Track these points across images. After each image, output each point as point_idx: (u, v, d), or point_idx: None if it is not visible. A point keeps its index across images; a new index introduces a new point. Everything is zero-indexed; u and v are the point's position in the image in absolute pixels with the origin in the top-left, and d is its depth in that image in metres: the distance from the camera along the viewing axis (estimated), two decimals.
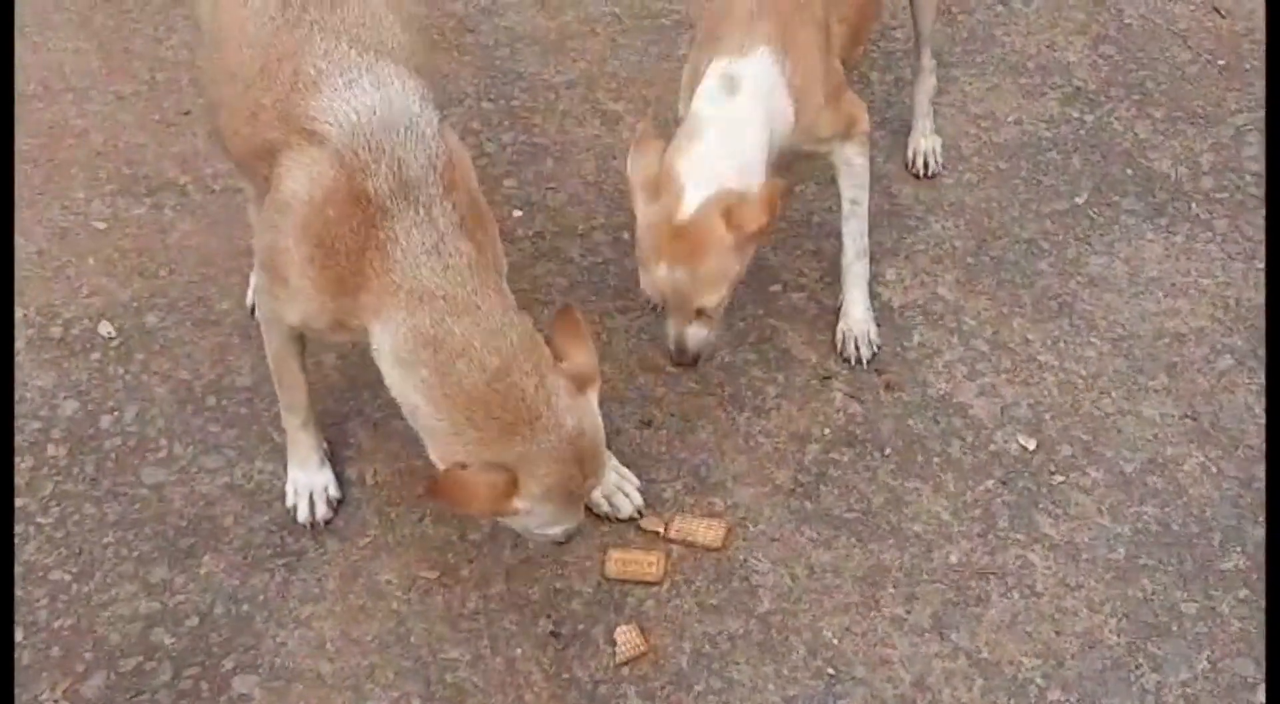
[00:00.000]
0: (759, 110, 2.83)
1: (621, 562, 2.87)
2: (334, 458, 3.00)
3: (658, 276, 2.78)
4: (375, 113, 2.46)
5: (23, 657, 2.73)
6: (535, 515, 2.48)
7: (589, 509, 2.82)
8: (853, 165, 3.11)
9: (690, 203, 2.72)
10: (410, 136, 2.46)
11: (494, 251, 2.57)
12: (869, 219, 3.18)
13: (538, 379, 2.42)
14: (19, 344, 3.26)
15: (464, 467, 2.41)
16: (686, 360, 2.93)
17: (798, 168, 3.21)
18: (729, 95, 2.82)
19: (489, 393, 2.39)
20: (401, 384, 2.47)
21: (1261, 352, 3.24)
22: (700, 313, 2.82)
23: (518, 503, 2.43)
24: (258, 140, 2.57)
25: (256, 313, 2.99)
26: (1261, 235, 3.49)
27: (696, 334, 2.88)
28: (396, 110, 2.48)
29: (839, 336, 3.23)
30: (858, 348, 3.21)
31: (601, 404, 2.58)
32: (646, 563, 2.87)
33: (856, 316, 3.22)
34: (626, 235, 3.40)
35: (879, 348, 3.22)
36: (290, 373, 2.86)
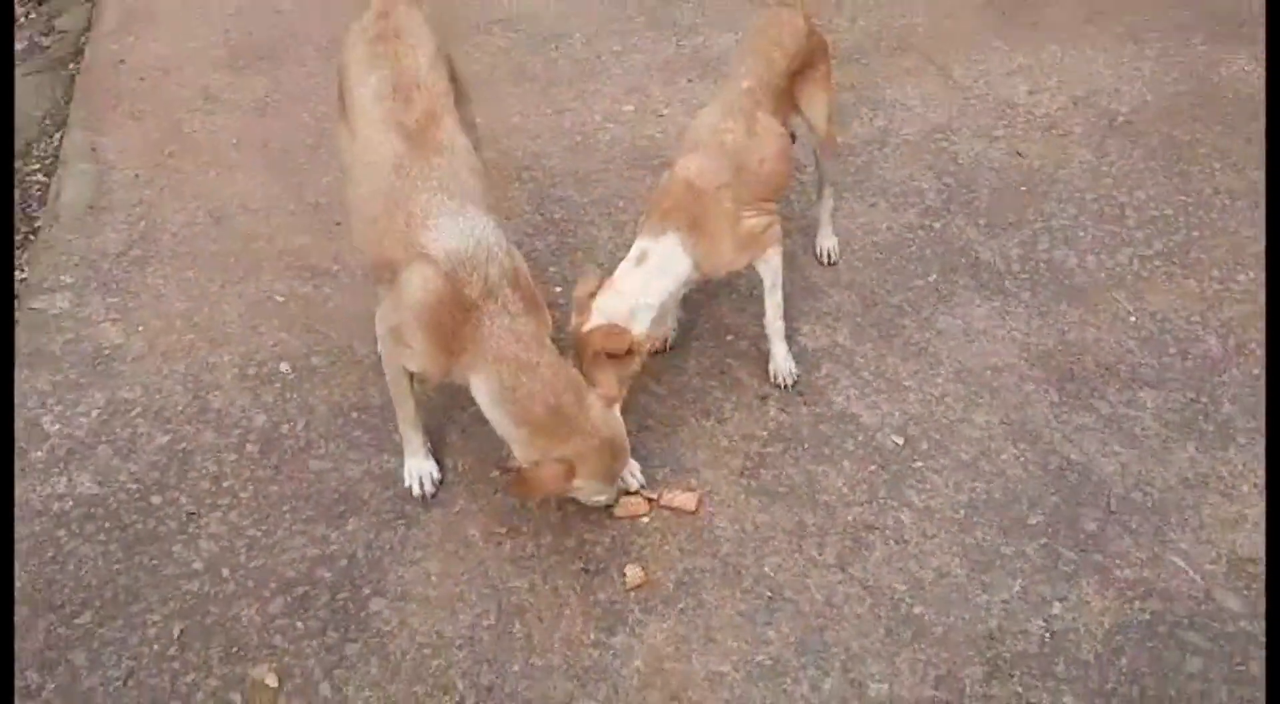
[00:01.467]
0: (657, 276, 2.83)
1: (620, 505, 2.89)
2: (436, 453, 3.00)
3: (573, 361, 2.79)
4: (467, 244, 2.52)
5: (229, 586, 2.74)
6: (587, 489, 2.62)
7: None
8: (769, 262, 3.07)
9: (590, 324, 2.77)
10: (491, 258, 2.54)
11: (544, 318, 2.64)
12: (784, 292, 3.14)
13: (579, 406, 2.53)
14: (227, 379, 3.26)
15: (536, 463, 2.51)
16: None
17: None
18: (637, 266, 2.85)
19: (548, 418, 2.50)
20: (493, 413, 2.57)
21: (1054, 379, 3.25)
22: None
23: (576, 483, 2.56)
24: (384, 257, 2.61)
25: (382, 346, 2.92)
26: (1052, 302, 3.49)
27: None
28: (480, 241, 2.54)
29: (771, 371, 3.22)
30: (784, 379, 3.21)
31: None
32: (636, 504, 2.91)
33: (780, 358, 3.21)
34: None
35: (798, 377, 3.22)
36: (403, 394, 2.87)
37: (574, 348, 2.79)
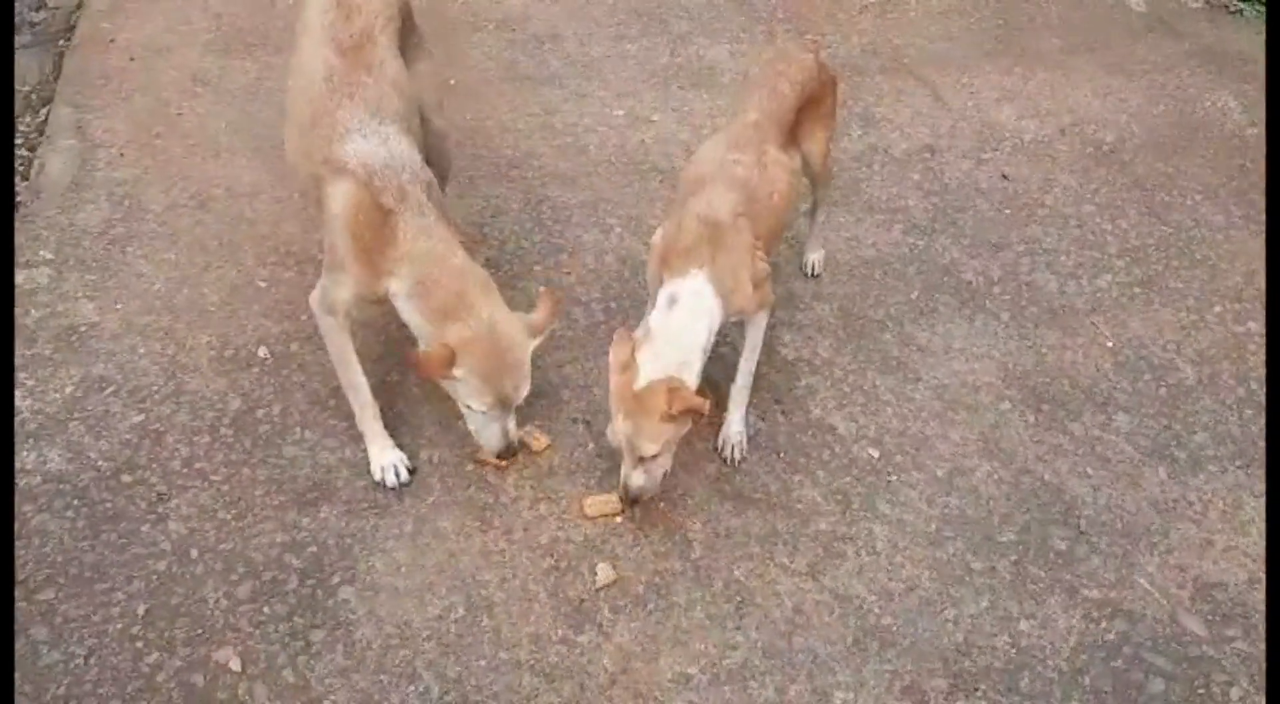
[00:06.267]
0: (692, 317, 2.71)
1: (593, 505, 2.90)
2: (411, 445, 2.98)
3: (619, 425, 2.67)
4: (380, 155, 2.68)
5: (197, 568, 2.72)
6: (465, 387, 2.65)
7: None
8: (758, 325, 3.00)
9: (644, 379, 2.64)
10: (403, 167, 2.69)
11: (456, 228, 2.75)
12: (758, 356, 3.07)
13: (485, 301, 2.63)
14: (204, 361, 3.24)
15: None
16: (629, 498, 2.75)
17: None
18: (670, 310, 2.72)
19: (451, 304, 2.61)
20: (410, 309, 2.66)
21: (1030, 399, 3.28)
22: (643, 460, 2.69)
23: (456, 371, 2.60)
24: (310, 170, 2.79)
25: (320, 323, 2.88)
26: (1031, 324, 3.53)
27: (638, 478, 2.71)
28: (393, 153, 2.70)
29: (720, 439, 3.03)
30: (734, 451, 3.02)
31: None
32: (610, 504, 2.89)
33: (735, 427, 3.04)
34: (614, 306, 3.44)
35: (746, 456, 3.04)
36: (354, 371, 2.89)
37: (618, 408, 2.65)
